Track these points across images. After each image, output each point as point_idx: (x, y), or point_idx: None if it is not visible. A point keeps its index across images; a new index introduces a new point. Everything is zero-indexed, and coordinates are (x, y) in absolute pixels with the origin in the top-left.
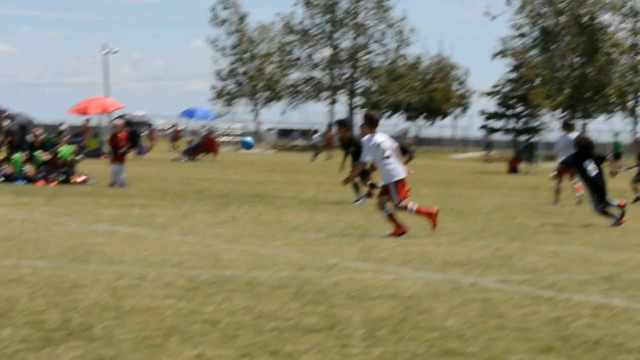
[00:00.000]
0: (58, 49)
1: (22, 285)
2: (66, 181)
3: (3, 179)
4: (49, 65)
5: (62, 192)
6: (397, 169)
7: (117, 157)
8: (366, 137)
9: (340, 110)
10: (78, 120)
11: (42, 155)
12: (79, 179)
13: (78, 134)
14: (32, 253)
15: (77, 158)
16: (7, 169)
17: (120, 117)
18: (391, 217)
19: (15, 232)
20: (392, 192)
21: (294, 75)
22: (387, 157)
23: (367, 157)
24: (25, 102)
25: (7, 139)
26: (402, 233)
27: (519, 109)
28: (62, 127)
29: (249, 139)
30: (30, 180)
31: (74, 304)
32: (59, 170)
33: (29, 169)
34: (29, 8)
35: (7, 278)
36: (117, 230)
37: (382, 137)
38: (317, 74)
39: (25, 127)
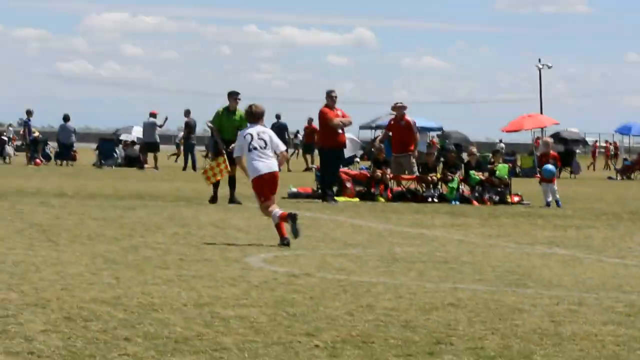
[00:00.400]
0: (492, 65)
1: (461, 309)
2: (501, 201)
3: (437, 200)
4: (483, 81)
5: (497, 212)
6: None
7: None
8: None
9: None
10: (512, 138)
11: (478, 175)
12: (514, 199)
13: (512, 153)
14: (469, 276)
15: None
16: (442, 188)
17: (554, 134)
18: None
19: (452, 254)
20: None
21: None
22: None
23: None
24: (459, 119)
25: (440, 158)
26: None
27: None
28: (498, 146)
29: (550, 166)
30: (465, 200)
31: (512, 329)
32: (494, 190)
33: (464, 188)
34: (464, 23)
35: (446, 302)
36: (553, 253)
37: None
38: None
39: (460, 145)
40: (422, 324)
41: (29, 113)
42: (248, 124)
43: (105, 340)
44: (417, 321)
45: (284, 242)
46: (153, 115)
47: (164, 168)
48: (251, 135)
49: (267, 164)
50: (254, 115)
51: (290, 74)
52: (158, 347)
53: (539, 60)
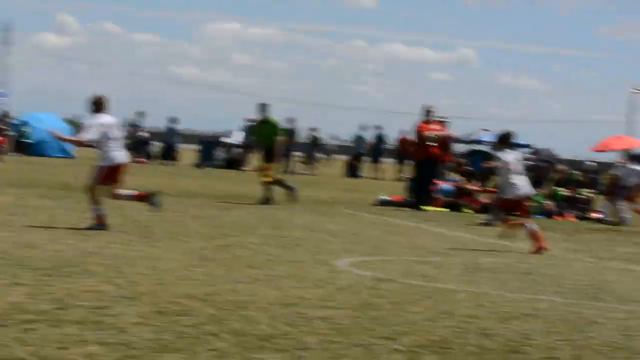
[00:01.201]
0: (586, 86)
1: (538, 319)
2: (583, 217)
3: None
4: (576, 102)
5: (579, 228)
6: None
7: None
8: None
9: None
10: (602, 158)
11: (563, 191)
12: (596, 216)
13: (597, 172)
14: (549, 287)
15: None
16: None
17: (634, 154)
18: None
19: (534, 266)
20: None
21: None
22: None
23: None
24: (550, 137)
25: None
26: None
27: None
28: (587, 164)
29: None
30: (549, 214)
31: (586, 341)
32: (578, 207)
33: (549, 204)
34: (561, 45)
35: (524, 312)
36: (630, 269)
37: None
38: None
39: (549, 162)
40: (500, 333)
41: (140, 114)
42: (98, 113)
43: (194, 334)
44: (494, 329)
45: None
46: (249, 120)
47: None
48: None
49: (123, 154)
50: (100, 105)
51: (392, 87)
52: (244, 344)
53: (634, 85)
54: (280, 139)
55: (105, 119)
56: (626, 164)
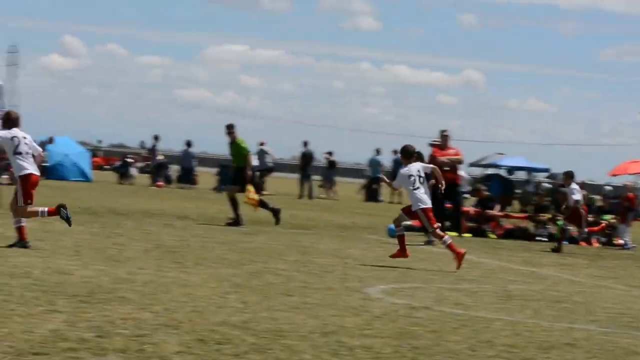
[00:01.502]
0: (596, 109)
1: (578, 349)
2: (608, 243)
3: (547, 239)
4: (585, 125)
5: (604, 254)
6: None
7: (623, 218)
8: None
9: None
10: (618, 181)
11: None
12: (619, 241)
13: (618, 196)
14: (582, 316)
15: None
16: (552, 229)
17: None
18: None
19: (564, 294)
20: None
21: None
22: None
23: None
24: (560, 161)
25: (544, 199)
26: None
27: None
28: (605, 189)
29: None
30: (573, 240)
31: None
32: (601, 232)
33: (573, 229)
34: (567, 68)
35: (562, 341)
36: None
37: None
38: None
39: None
40: None
41: (156, 138)
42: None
43: None
44: (537, 359)
45: (25, 245)
46: (261, 144)
47: (281, 195)
48: (18, 138)
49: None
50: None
51: (400, 109)
52: None
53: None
54: (247, 159)
55: (15, 133)
56: (566, 184)
